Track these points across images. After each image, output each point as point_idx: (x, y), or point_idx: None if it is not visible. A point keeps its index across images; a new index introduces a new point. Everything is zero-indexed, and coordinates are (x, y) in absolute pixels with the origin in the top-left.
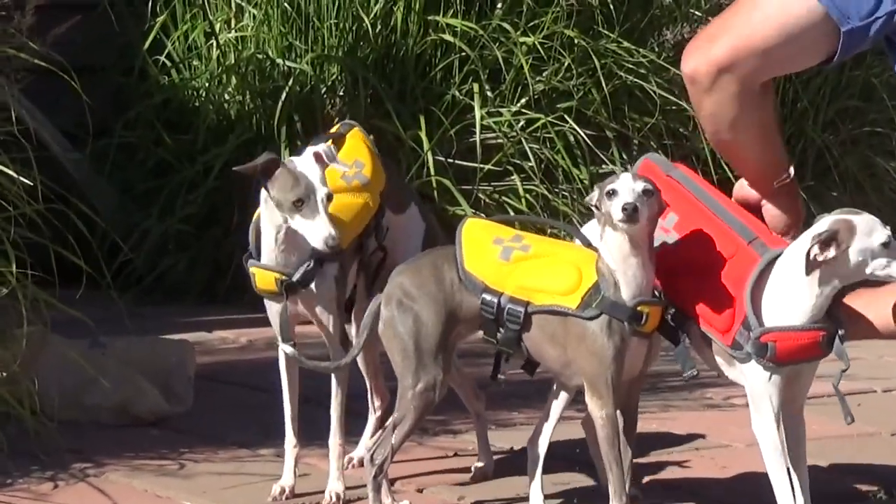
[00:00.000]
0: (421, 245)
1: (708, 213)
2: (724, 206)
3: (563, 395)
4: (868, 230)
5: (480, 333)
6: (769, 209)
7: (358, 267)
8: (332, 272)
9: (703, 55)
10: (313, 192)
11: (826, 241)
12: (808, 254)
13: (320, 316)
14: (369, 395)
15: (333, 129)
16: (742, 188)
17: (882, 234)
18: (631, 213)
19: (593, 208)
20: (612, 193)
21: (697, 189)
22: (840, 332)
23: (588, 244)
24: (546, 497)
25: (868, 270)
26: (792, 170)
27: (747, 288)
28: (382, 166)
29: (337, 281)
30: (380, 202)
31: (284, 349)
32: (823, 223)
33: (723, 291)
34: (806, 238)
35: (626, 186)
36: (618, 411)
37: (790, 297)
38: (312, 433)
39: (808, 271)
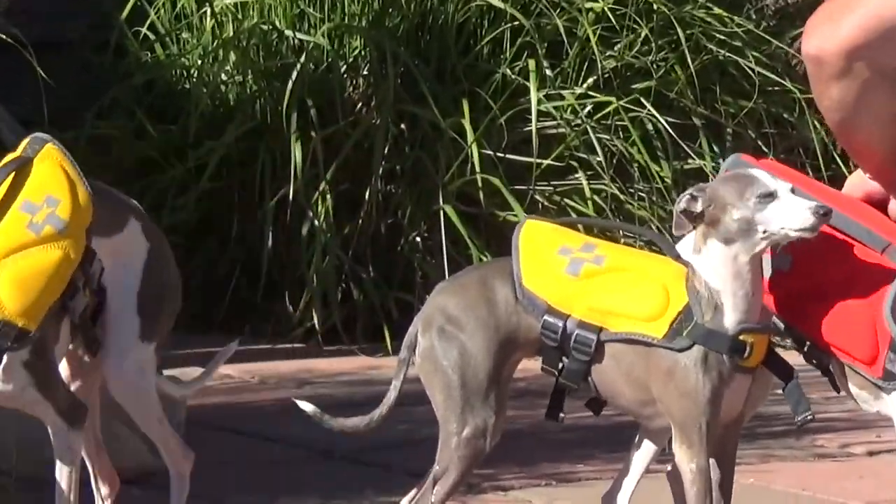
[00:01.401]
0: (142, 271)
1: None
2: (841, 210)
3: (649, 445)
4: None
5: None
6: None
7: (71, 329)
8: (17, 361)
9: (831, 33)
10: None
11: None
12: None
13: (27, 409)
14: (93, 481)
15: (19, 150)
16: (861, 182)
17: None
18: (824, 215)
19: (687, 217)
20: (767, 196)
21: (816, 185)
22: None
23: (677, 256)
24: None
25: None
26: None
27: (887, 305)
28: (87, 188)
29: (29, 366)
30: (86, 244)
31: (304, 407)
32: None
33: (858, 314)
34: None
35: (785, 189)
36: (712, 461)
37: None
38: (334, 490)
39: None
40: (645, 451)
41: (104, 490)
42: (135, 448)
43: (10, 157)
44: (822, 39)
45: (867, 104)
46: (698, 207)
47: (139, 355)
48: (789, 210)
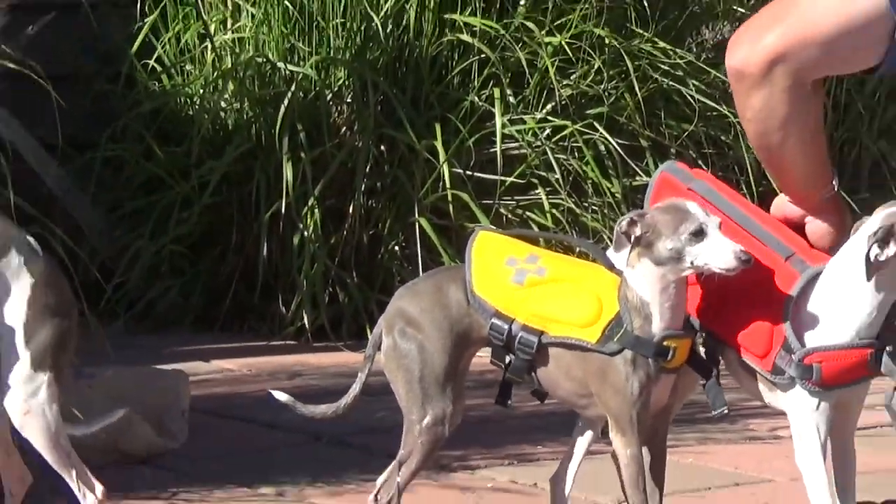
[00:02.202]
0: (25, 303)
1: (736, 229)
2: (755, 219)
3: (589, 432)
4: None
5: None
6: (814, 226)
7: None
8: None
9: (752, 46)
10: None
11: (884, 237)
12: (867, 256)
13: None
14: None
15: None
16: (782, 205)
17: None
18: (744, 260)
19: (626, 237)
20: (698, 234)
21: (723, 202)
22: (888, 347)
23: (611, 267)
24: None
25: None
26: (836, 182)
27: (786, 307)
28: None
29: None
30: None
31: (279, 396)
32: (875, 221)
33: (759, 313)
34: (859, 240)
35: (713, 226)
36: (644, 448)
37: (838, 313)
38: (321, 471)
39: (870, 275)
40: (585, 436)
41: (14, 488)
42: (144, 432)
43: None
44: (745, 52)
45: (786, 114)
46: (637, 232)
47: (30, 383)
48: (716, 250)
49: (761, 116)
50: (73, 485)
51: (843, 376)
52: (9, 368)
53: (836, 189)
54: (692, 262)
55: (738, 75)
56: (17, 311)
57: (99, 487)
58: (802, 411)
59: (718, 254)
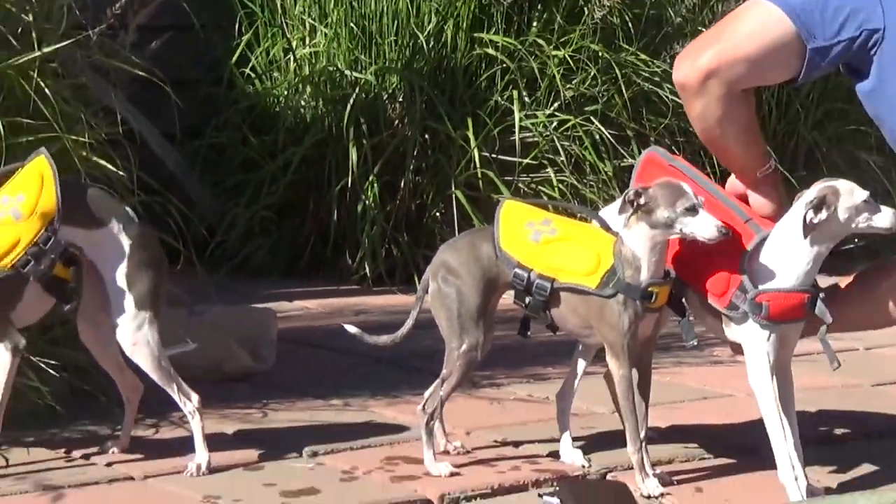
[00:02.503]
0: (126, 259)
1: (707, 196)
2: (719, 190)
3: (585, 355)
4: (850, 191)
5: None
6: (754, 198)
7: (44, 287)
8: None
9: (691, 64)
10: None
11: (817, 205)
12: (804, 219)
13: None
14: (121, 390)
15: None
16: (733, 182)
17: (861, 193)
18: (723, 233)
19: (630, 205)
20: (691, 210)
21: (697, 176)
22: (821, 294)
23: (606, 229)
24: (574, 439)
25: (853, 225)
26: (773, 162)
27: (743, 258)
28: (66, 190)
29: None
30: (48, 226)
31: (350, 329)
32: (811, 192)
33: (722, 262)
34: (799, 207)
35: (701, 204)
36: (633, 370)
37: (783, 264)
38: (380, 387)
39: (806, 234)
40: (583, 360)
41: (129, 396)
42: (242, 357)
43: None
44: (685, 69)
45: (721, 116)
46: (641, 201)
47: (136, 320)
48: (703, 224)
49: (701, 118)
50: (175, 396)
51: (786, 314)
52: (118, 311)
53: (771, 169)
54: (681, 230)
55: (681, 87)
56: (119, 267)
57: (195, 397)
58: (754, 341)
59: (705, 227)
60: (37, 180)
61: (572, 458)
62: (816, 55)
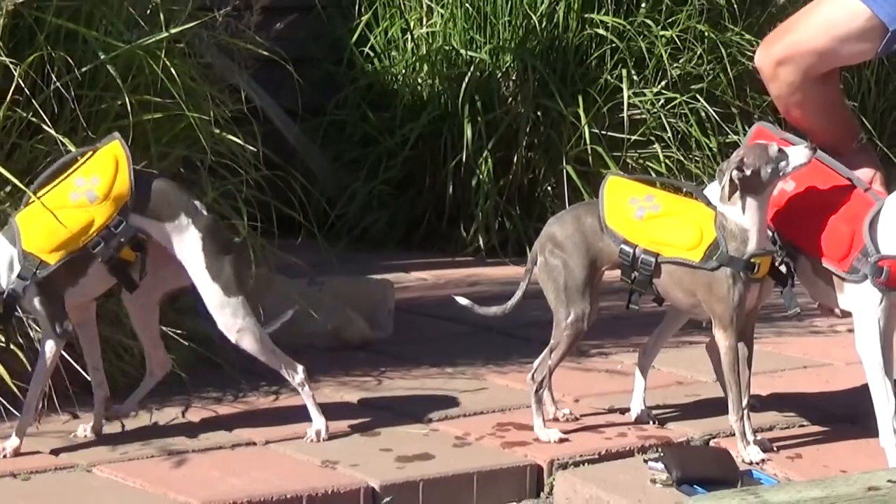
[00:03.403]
0: (201, 251)
1: (822, 167)
2: (836, 163)
3: (670, 326)
4: None
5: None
6: (853, 166)
7: (109, 270)
8: (32, 294)
9: (765, 52)
10: None
11: None
12: None
13: (36, 315)
14: (148, 363)
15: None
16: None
17: None
18: (813, 148)
19: (734, 180)
20: (782, 152)
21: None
22: None
23: (708, 204)
24: (678, 406)
25: None
26: (862, 137)
27: (866, 222)
28: (130, 176)
29: (40, 287)
30: (120, 210)
31: (461, 301)
32: None
33: (841, 228)
34: None
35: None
36: (738, 341)
37: None
38: (491, 355)
39: None
40: (667, 328)
41: (155, 370)
42: (360, 326)
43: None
44: (760, 56)
45: (796, 98)
46: (746, 172)
47: (229, 307)
48: (795, 153)
49: (778, 99)
50: (283, 372)
51: None
52: (210, 303)
53: (861, 141)
54: (783, 171)
55: (759, 71)
56: (197, 259)
57: (300, 368)
58: (868, 305)
59: (797, 154)
60: (111, 164)
61: (637, 413)
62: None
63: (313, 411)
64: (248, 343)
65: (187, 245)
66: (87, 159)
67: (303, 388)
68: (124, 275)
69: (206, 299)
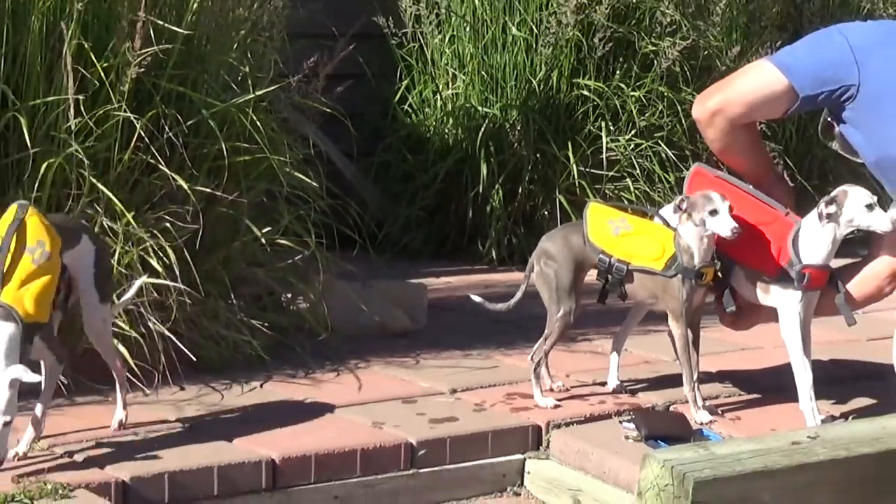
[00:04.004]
0: (94, 265)
1: (749, 198)
2: (758, 193)
3: (635, 317)
4: (857, 194)
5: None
6: (772, 194)
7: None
8: (40, 344)
9: (701, 106)
10: None
11: (829, 201)
12: (819, 210)
13: (39, 355)
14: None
15: (11, 216)
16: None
17: (867, 198)
18: (736, 233)
19: (679, 209)
20: (714, 213)
21: (737, 182)
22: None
23: (667, 224)
24: (644, 381)
25: (855, 221)
26: (780, 169)
27: (789, 239)
28: (53, 225)
29: (43, 337)
30: (59, 258)
31: (475, 298)
32: (833, 192)
33: (770, 244)
34: (820, 203)
35: (724, 209)
36: (688, 329)
37: (814, 247)
38: (500, 341)
39: (820, 220)
40: (633, 319)
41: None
42: (401, 318)
43: (6, 221)
44: (699, 108)
45: (727, 141)
46: (684, 206)
47: (101, 313)
48: (721, 222)
49: (712, 143)
50: (109, 360)
51: (816, 283)
52: (87, 302)
53: (778, 176)
54: (707, 228)
55: (697, 121)
56: (89, 270)
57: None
58: (790, 302)
59: (723, 225)
60: (41, 226)
61: (613, 385)
62: (804, 101)
63: (120, 403)
64: (100, 338)
65: (84, 258)
66: (18, 231)
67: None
68: (62, 304)
69: (87, 301)
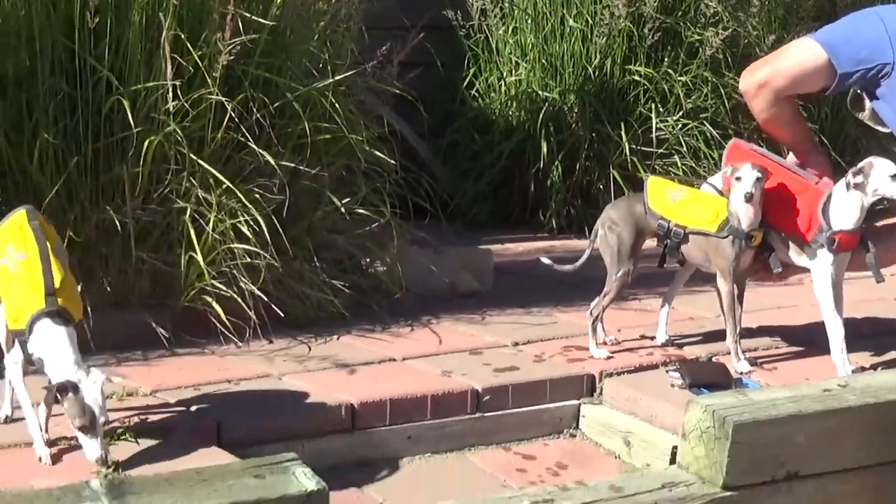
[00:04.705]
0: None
1: (782, 169)
2: (790, 164)
3: (681, 278)
4: (882, 165)
5: (654, 242)
6: (809, 165)
7: None
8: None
9: (748, 78)
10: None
11: (856, 172)
12: (847, 180)
13: None
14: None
15: (20, 219)
16: (790, 158)
17: (892, 169)
18: (749, 198)
19: (730, 176)
20: (738, 179)
21: (770, 154)
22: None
23: (718, 192)
24: (691, 335)
25: (880, 192)
26: (815, 141)
27: (819, 206)
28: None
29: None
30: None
31: (544, 260)
32: (860, 163)
33: (804, 211)
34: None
35: (748, 176)
36: (734, 287)
37: (844, 212)
38: (560, 299)
39: (847, 189)
40: (680, 280)
41: None
42: (470, 280)
43: (20, 227)
44: (746, 81)
45: (772, 112)
46: (730, 173)
47: None
48: (740, 187)
49: (758, 114)
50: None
51: (845, 247)
52: None
53: (816, 147)
54: (736, 192)
55: (743, 93)
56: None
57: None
58: (823, 264)
59: (745, 183)
60: (50, 226)
61: (661, 339)
62: (843, 77)
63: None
64: None
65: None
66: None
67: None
68: None
69: None
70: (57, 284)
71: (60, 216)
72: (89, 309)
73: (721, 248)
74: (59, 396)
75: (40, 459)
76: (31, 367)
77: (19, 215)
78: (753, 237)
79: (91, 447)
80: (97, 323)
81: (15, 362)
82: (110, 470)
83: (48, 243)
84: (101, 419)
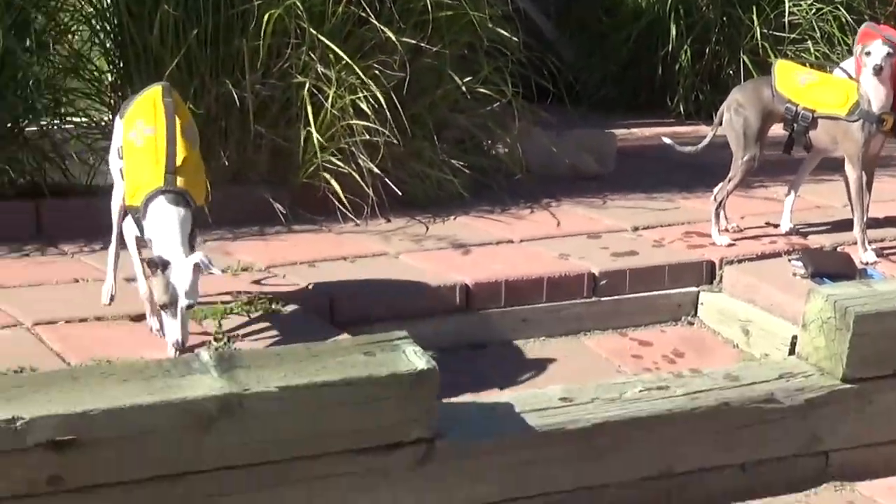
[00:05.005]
0: None
1: None
2: None
3: (809, 165)
4: None
5: (781, 127)
6: None
7: None
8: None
9: None
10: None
11: None
12: None
13: None
14: None
15: (154, 96)
16: None
17: None
18: (878, 70)
19: (860, 57)
20: (868, 54)
21: None
22: None
23: (849, 76)
24: (816, 224)
25: None
26: None
27: None
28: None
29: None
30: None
31: (665, 140)
32: None
33: None
34: None
35: (878, 51)
36: (863, 174)
37: None
38: (685, 185)
39: None
40: (807, 167)
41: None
42: (591, 163)
43: (154, 102)
44: None
45: None
46: (860, 52)
47: None
48: (870, 60)
49: None
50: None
51: None
52: None
53: None
54: (867, 63)
55: None
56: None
57: None
58: None
59: (874, 56)
60: (182, 105)
61: (786, 228)
62: None
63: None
64: None
65: None
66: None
67: None
68: None
69: None
70: (179, 162)
71: (180, 89)
72: (207, 184)
73: (850, 133)
74: (149, 271)
75: (150, 329)
76: (144, 246)
77: (154, 91)
78: (885, 121)
79: (170, 328)
80: (215, 198)
81: (131, 235)
82: (221, 343)
83: (179, 121)
84: (185, 302)
